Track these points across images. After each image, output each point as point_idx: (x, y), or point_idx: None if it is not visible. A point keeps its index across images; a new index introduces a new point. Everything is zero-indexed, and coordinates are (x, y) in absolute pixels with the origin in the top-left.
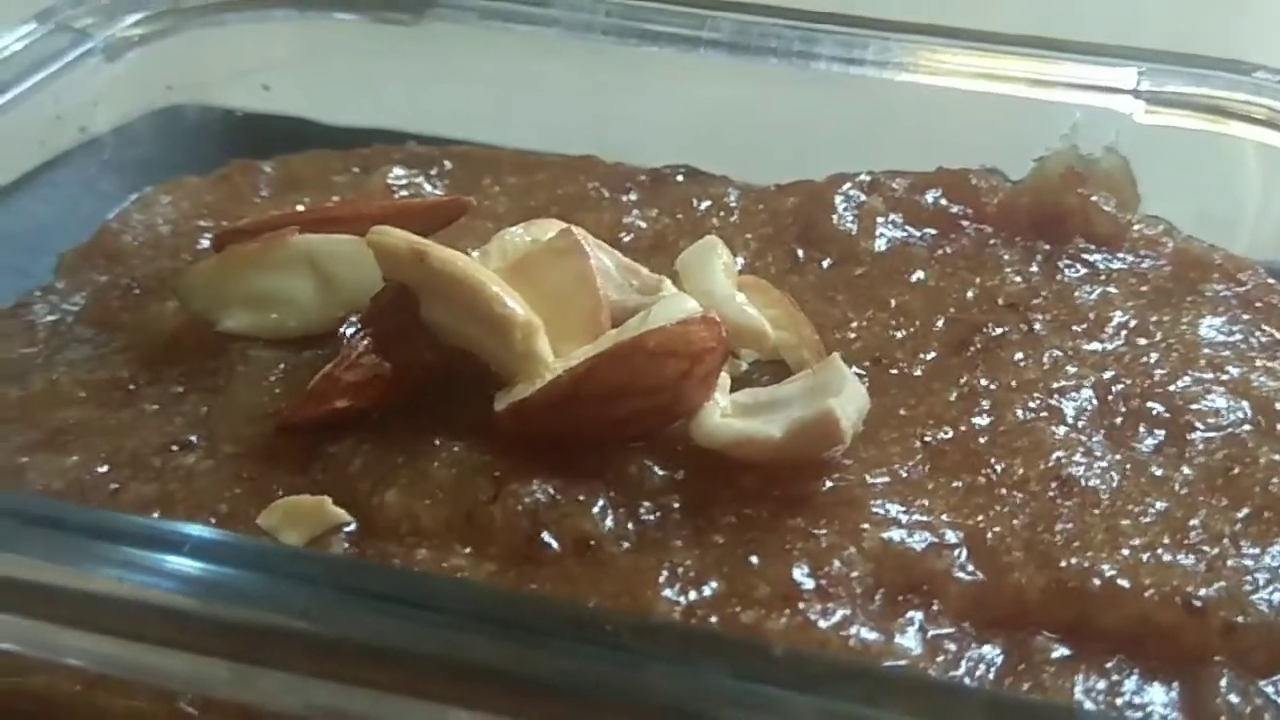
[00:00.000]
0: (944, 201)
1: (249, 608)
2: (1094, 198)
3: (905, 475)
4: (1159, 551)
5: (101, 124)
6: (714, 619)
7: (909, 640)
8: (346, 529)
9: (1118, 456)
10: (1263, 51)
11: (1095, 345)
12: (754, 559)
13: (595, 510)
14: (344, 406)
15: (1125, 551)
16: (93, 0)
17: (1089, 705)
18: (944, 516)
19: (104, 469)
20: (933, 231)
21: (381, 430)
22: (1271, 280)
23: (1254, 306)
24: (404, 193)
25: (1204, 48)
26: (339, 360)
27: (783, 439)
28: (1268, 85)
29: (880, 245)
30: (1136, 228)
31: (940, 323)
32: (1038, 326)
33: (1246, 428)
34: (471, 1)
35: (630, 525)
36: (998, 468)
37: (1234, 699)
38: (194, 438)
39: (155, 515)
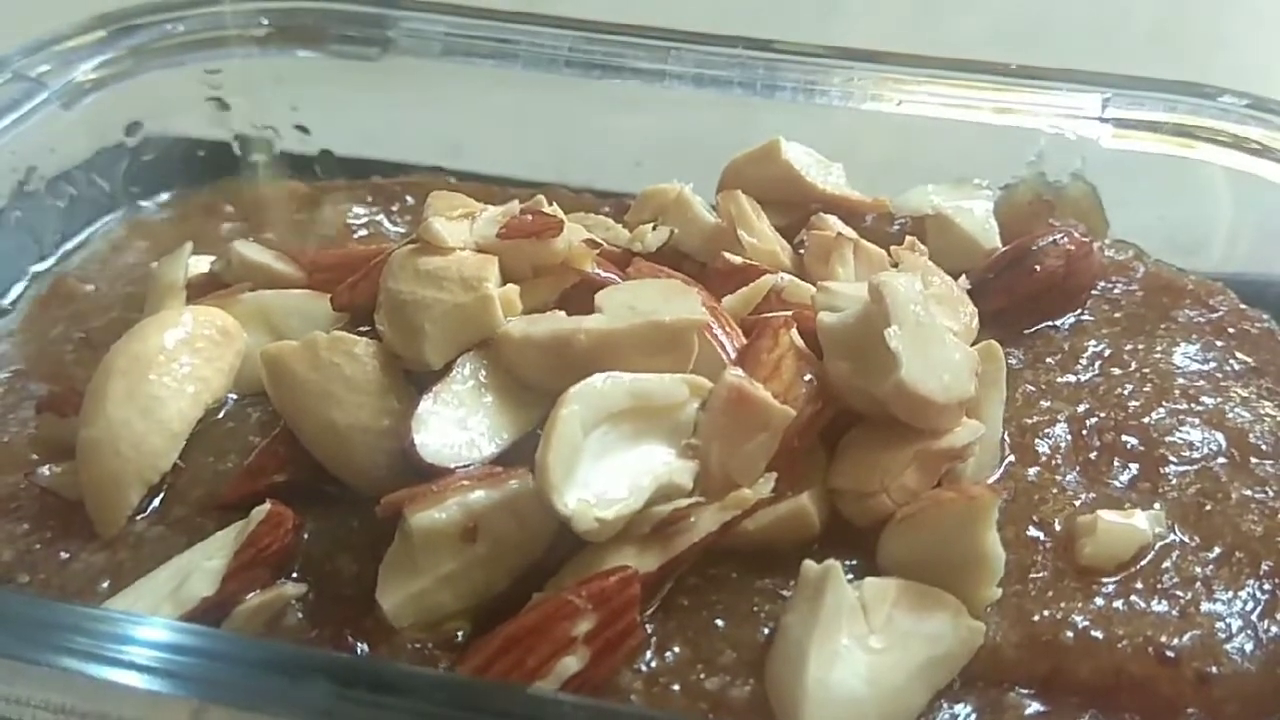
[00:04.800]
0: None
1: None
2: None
3: None
4: (1132, 598)
5: (58, 169)
6: (676, 687)
7: None
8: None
9: (1092, 495)
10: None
11: (1069, 377)
12: (719, 622)
13: None
14: (282, 480)
15: (1099, 600)
16: (47, 49)
17: None
18: None
19: (53, 536)
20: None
21: (331, 496)
22: (1244, 306)
23: (1227, 333)
24: (363, 232)
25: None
26: (276, 433)
27: (754, 530)
28: (1233, 109)
29: None
30: (1107, 254)
31: None
32: (1011, 360)
33: (1220, 460)
34: (435, 34)
35: None
36: None
37: None
38: None
39: (105, 584)
